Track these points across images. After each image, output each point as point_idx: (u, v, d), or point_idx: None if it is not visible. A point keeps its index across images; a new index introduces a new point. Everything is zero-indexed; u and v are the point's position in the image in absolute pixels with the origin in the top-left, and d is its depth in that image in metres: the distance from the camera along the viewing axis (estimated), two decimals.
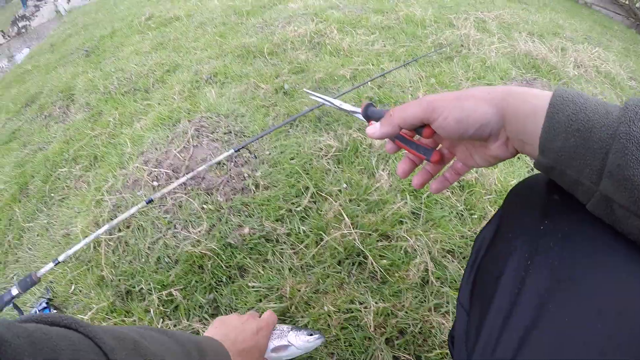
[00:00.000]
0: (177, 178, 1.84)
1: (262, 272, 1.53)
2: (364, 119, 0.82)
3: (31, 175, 2.55)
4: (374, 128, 0.71)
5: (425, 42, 3.18)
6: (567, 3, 6.57)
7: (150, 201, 1.53)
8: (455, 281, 1.51)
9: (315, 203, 1.74)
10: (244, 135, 2.10)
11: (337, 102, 1.06)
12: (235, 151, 1.57)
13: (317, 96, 1.25)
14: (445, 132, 0.63)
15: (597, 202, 0.51)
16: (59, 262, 1.41)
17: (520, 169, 2.02)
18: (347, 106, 1.00)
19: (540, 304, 0.52)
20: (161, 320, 1.45)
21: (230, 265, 1.56)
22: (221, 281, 1.53)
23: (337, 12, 3.77)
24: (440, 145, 0.76)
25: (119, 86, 3.06)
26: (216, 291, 1.51)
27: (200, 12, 4.50)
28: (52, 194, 2.28)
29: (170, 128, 2.23)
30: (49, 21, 12.71)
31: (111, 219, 1.78)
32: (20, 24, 12.93)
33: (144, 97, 2.81)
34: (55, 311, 1.54)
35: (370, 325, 1.36)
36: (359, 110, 0.85)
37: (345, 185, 1.81)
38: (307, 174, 1.83)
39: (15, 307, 1.42)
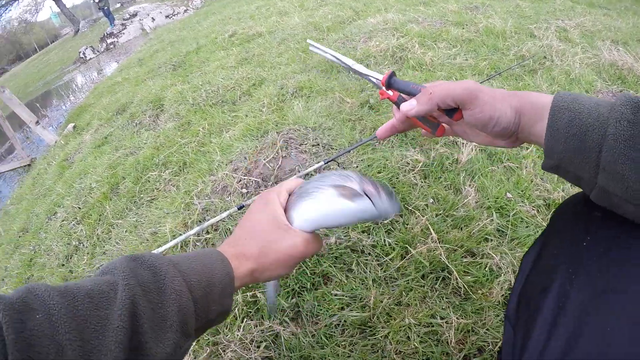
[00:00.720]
0: (265, 187, 1.90)
1: (346, 281, 1.55)
2: (378, 85, 0.83)
3: (122, 176, 2.70)
4: (410, 105, 0.72)
5: (507, 54, 3.14)
6: None
7: (241, 207, 1.59)
8: None
9: (401, 217, 1.75)
10: (331, 148, 2.15)
11: (349, 62, 1.03)
12: (325, 163, 1.62)
13: (323, 50, 1.16)
14: (473, 122, 0.68)
15: (597, 193, 0.58)
16: None
17: None
18: (360, 68, 0.97)
19: (584, 314, 0.56)
20: (243, 319, 1.50)
21: (314, 273, 1.59)
22: (305, 287, 1.57)
23: (417, 25, 3.79)
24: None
25: (207, 98, 3.19)
26: (299, 296, 1.55)
27: (281, 29, 4.62)
28: (142, 195, 2.40)
29: (258, 139, 2.31)
30: (135, 38, 13.46)
31: (200, 222, 1.86)
32: (109, 41, 13.76)
33: (231, 109, 2.92)
34: None
35: (451, 341, 1.35)
36: (374, 74, 0.86)
37: (431, 200, 1.81)
38: (394, 187, 1.85)
39: None
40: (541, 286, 0.65)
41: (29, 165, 5.73)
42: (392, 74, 0.80)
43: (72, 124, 5.13)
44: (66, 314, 0.48)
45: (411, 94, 0.75)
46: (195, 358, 1.45)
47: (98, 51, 13.65)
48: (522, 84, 2.69)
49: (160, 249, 1.53)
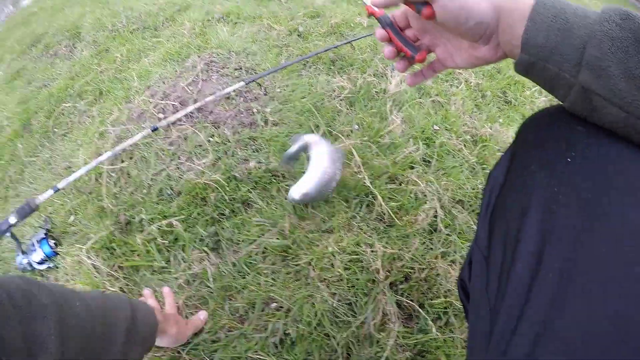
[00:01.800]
0: (184, 110, 1.78)
1: (266, 208, 1.48)
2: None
3: (34, 111, 2.50)
4: None
5: None
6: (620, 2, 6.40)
7: (155, 129, 1.48)
8: (463, 231, 1.48)
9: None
10: (255, 72, 2.03)
11: None
12: (246, 83, 1.51)
13: None
14: (445, 17, 0.62)
15: (576, 95, 0.55)
16: (59, 190, 1.37)
17: None
18: None
19: (576, 242, 0.50)
20: (159, 252, 1.41)
21: (234, 199, 1.51)
22: (224, 214, 1.49)
23: None
24: (419, 41, 0.76)
25: (127, 24, 2.98)
26: (218, 224, 1.47)
27: None
28: (56, 129, 2.23)
29: (179, 63, 2.17)
30: None
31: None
32: None
33: (153, 34, 2.73)
34: (53, 242, 1.50)
35: (379, 270, 1.33)
36: None
37: (356, 127, 1.75)
38: (318, 112, 1.77)
39: (13, 236, 1.39)
40: (519, 207, 0.58)
41: None
42: None
43: None
44: None
45: None
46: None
47: None
48: None
49: (71, 178, 1.40)
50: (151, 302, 1.23)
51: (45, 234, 1.51)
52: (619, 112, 0.51)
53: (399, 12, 0.75)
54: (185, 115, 1.64)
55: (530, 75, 0.61)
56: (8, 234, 1.33)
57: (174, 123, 1.66)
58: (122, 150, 1.58)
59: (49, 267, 1.47)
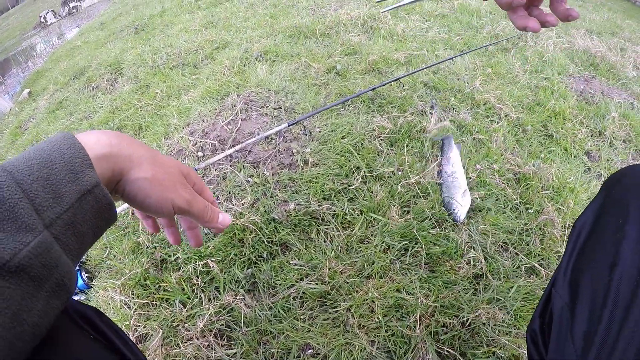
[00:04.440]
0: (223, 150, 1.78)
1: (305, 251, 1.46)
2: None
3: None
4: None
5: (481, 32, 3.07)
6: (624, 4, 6.35)
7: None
8: (508, 276, 1.42)
9: (365, 184, 1.66)
10: (294, 112, 2.04)
11: None
12: (289, 125, 1.50)
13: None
14: None
15: None
16: None
17: (578, 166, 1.91)
18: None
19: None
20: (193, 291, 1.39)
21: (272, 241, 1.49)
22: (261, 256, 1.47)
23: None
24: None
25: (168, 61, 3.05)
26: (255, 266, 1.45)
27: None
28: None
29: (218, 101, 2.19)
30: (99, 2, 12.96)
31: None
32: (71, 5, 13.22)
33: (192, 72, 2.79)
34: (86, 275, 1.50)
35: (420, 317, 1.28)
36: None
37: (397, 168, 1.72)
38: (359, 153, 1.75)
39: None
40: (605, 260, 0.57)
41: None
42: None
43: (28, 90, 4.89)
44: None
45: None
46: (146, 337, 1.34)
47: (60, 15, 13.11)
48: (495, 60, 2.63)
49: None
50: None
51: (80, 266, 1.52)
52: None
53: None
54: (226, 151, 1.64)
55: None
56: None
57: (212, 164, 1.66)
58: None
59: (80, 300, 1.47)
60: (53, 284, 0.42)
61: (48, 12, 13.10)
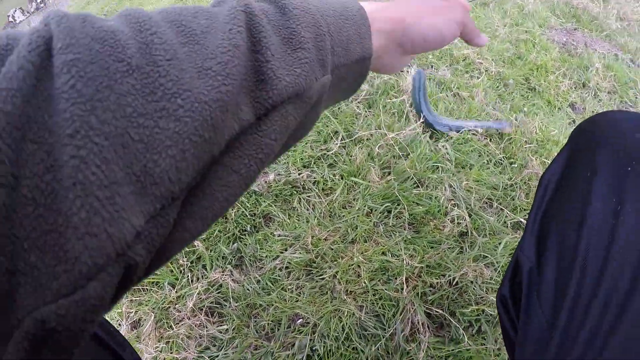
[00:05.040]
0: None
1: (288, 221, 1.45)
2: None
3: None
4: None
5: None
6: None
7: None
8: (494, 233, 1.42)
9: (344, 148, 1.64)
10: None
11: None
12: None
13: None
14: None
15: None
16: None
17: (562, 119, 1.90)
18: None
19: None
20: (181, 272, 1.39)
21: (254, 214, 1.48)
22: (245, 230, 1.46)
23: None
24: None
25: None
26: (240, 241, 1.44)
27: None
28: None
29: None
30: None
31: None
32: (38, 0, 12.97)
33: None
34: None
35: (406, 279, 1.29)
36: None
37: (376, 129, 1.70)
38: (336, 118, 1.73)
39: None
40: (573, 217, 0.55)
41: None
42: None
43: None
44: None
45: None
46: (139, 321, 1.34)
47: (28, 12, 12.86)
48: (473, 15, 2.58)
49: None
50: None
51: None
52: None
53: None
54: None
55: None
56: None
57: None
58: None
59: None
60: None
61: (16, 11, 12.83)
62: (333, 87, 0.46)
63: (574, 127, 0.67)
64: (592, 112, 2.00)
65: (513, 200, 1.51)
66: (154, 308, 1.33)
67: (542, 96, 2.03)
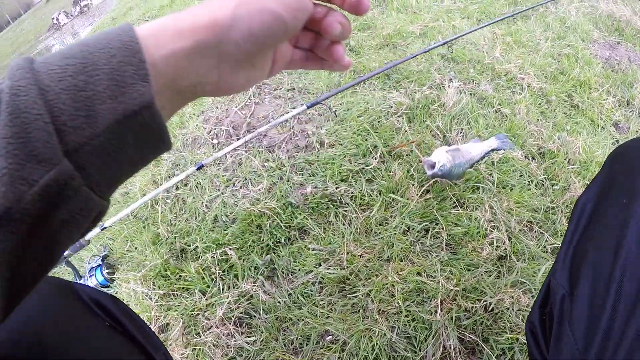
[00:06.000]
0: (237, 135, 1.76)
1: (323, 235, 1.43)
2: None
3: None
4: None
5: None
6: None
7: (200, 167, 1.40)
8: (533, 257, 1.38)
9: (383, 163, 1.62)
10: (308, 92, 2.00)
11: None
12: (308, 107, 1.45)
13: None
14: None
15: None
16: (105, 228, 1.34)
17: (605, 139, 1.84)
18: None
19: None
20: (213, 280, 1.39)
21: (290, 226, 1.47)
22: (279, 242, 1.45)
23: None
24: None
25: None
26: (273, 252, 1.43)
27: None
28: None
29: None
30: None
31: (169, 177, 1.73)
32: (82, 3, 13.24)
33: None
34: (107, 270, 1.51)
35: (441, 302, 1.26)
36: None
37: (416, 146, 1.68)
38: (376, 132, 1.71)
39: (69, 265, 1.43)
40: (609, 243, 0.53)
41: None
42: None
43: None
44: None
45: None
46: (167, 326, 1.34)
47: (72, 15, 13.17)
48: (514, 28, 2.54)
49: (128, 210, 1.39)
50: None
51: (102, 260, 1.53)
52: None
53: None
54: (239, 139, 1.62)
55: None
56: (64, 263, 1.37)
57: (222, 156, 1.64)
58: (165, 190, 1.55)
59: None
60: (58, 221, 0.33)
61: (60, 13, 13.15)
62: (102, 165, 0.34)
63: (609, 152, 0.65)
64: (637, 131, 1.94)
65: (554, 224, 1.47)
66: (182, 314, 1.34)
67: (585, 114, 1.97)
